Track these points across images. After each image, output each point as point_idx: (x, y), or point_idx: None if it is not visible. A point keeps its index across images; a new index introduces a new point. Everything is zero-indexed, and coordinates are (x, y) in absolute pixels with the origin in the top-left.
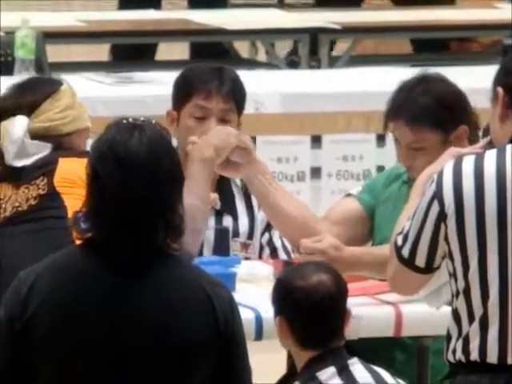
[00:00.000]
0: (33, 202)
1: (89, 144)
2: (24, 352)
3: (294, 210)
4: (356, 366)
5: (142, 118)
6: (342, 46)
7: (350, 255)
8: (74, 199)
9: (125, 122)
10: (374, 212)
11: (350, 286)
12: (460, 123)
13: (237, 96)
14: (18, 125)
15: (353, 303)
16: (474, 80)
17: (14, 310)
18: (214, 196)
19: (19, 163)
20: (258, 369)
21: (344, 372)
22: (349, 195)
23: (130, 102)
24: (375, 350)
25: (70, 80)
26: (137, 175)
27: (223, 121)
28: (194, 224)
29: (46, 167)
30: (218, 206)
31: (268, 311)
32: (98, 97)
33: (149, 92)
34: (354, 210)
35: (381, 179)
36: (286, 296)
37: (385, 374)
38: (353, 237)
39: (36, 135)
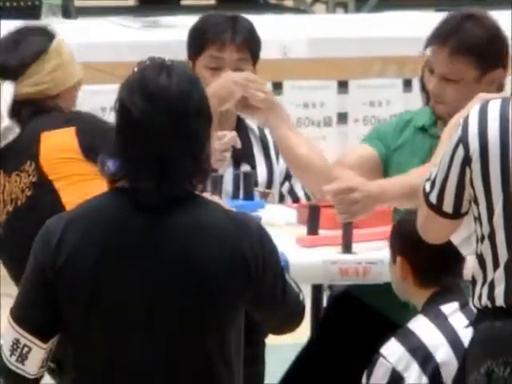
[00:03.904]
0: (28, 193)
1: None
2: (56, 299)
3: (313, 156)
4: None
5: (169, 59)
6: None
7: (378, 187)
8: (64, 181)
9: (154, 61)
10: (387, 160)
11: (375, 230)
12: (499, 66)
13: (251, 46)
14: (6, 95)
15: (377, 247)
16: (501, 25)
17: (46, 258)
18: (233, 134)
19: (7, 139)
20: None
21: (465, 309)
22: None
23: (156, 46)
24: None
25: (97, 24)
26: (166, 109)
27: (238, 70)
28: None
29: (30, 148)
30: (239, 145)
31: (295, 256)
32: (124, 41)
33: (175, 37)
34: (368, 156)
35: (390, 127)
36: (408, 237)
37: None
38: None
39: (22, 100)
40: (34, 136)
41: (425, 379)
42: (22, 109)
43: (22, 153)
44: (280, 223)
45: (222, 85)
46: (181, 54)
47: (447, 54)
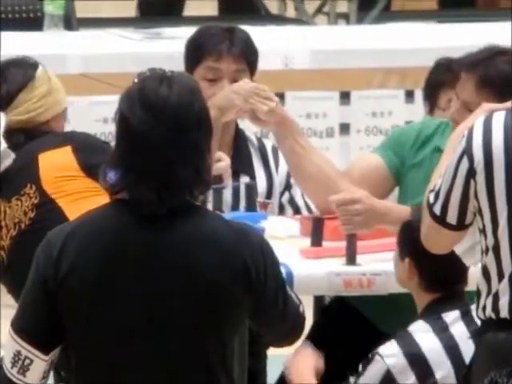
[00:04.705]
0: (31, 215)
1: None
2: (57, 311)
3: (317, 170)
4: None
5: (169, 71)
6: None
7: (383, 206)
8: (68, 199)
9: (154, 72)
10: (399, 173)
11: (379, 242)
12: None
13: (248, 56)
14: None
15: (381, 259)
16: (502, 37)
17: (47, 270)
18: (228, 162)
19: (2, 166)
20: None
21: (466, 317)
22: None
23: (158, 57)
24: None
25: (98, 36)
26: (167, 120)
27: (235, 81)
28: None
29: (28, 171)
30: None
31: (299, 268)
32: (126, 53)
33: (177, 48)
34: (378, 169)
35: (409, 138)
36: (420, 242)
37: None
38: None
39: (13, 128)
40: (31, 158)
41: None
42: (15, 136)
43: (20, 177)
44: (283, 235)
45: (223, 95)
46: (183, 66)
47: (471, 84)
